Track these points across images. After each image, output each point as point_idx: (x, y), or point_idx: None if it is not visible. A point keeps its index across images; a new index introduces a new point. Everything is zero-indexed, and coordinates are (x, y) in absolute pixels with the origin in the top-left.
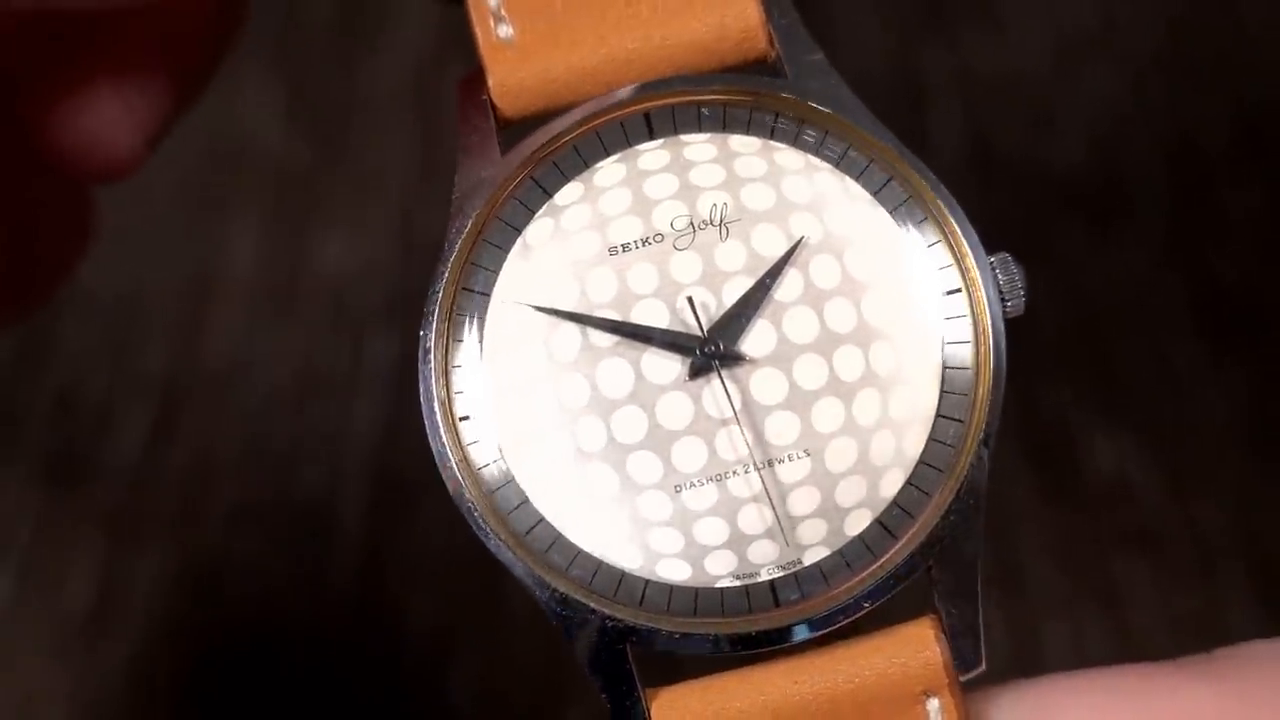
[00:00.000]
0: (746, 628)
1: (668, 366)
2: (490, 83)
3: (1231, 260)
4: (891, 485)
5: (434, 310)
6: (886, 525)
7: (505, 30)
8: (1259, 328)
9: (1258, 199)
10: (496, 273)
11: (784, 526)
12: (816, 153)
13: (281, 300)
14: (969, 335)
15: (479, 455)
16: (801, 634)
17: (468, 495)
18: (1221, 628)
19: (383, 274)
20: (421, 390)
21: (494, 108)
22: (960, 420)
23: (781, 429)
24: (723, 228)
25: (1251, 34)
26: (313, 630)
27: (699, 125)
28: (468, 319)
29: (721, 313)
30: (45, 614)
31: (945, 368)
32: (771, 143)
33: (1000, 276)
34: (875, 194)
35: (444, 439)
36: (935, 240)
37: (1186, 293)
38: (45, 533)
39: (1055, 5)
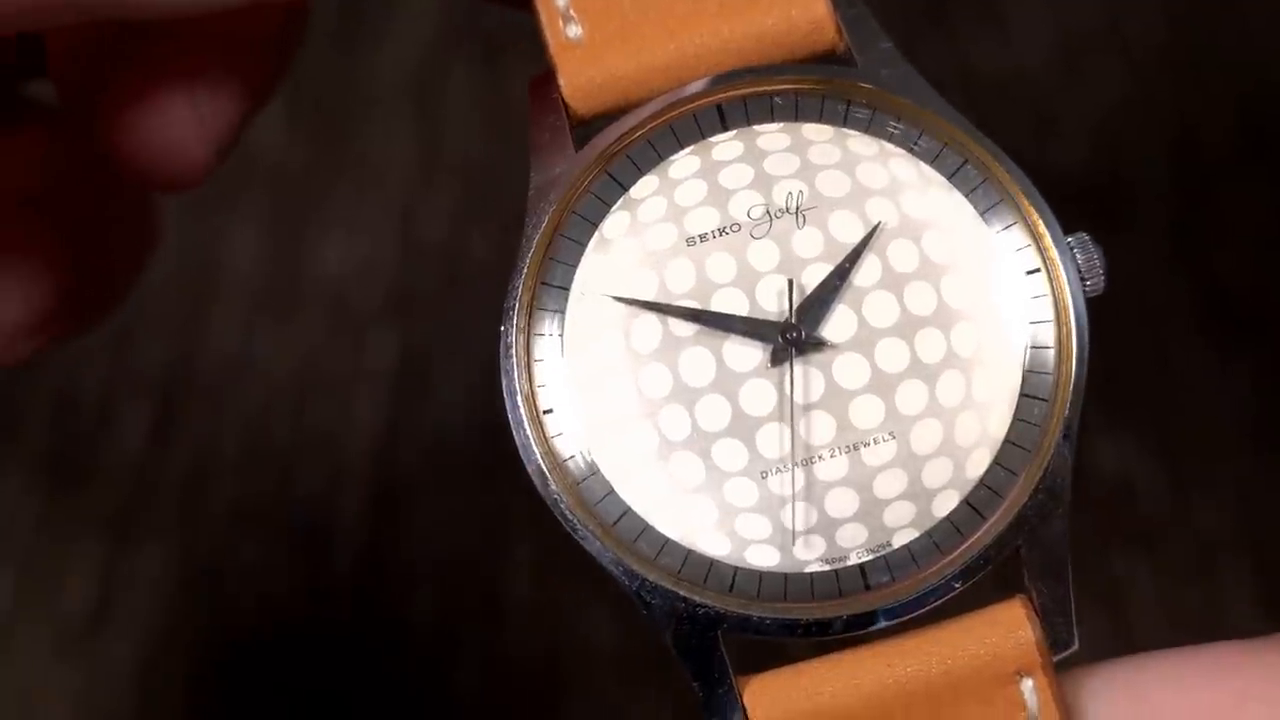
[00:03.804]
0: (837, 612)
1: (749, 354)
2: (561, 82)
3: (1234, 259)
4: (978, 465)
5: (514, 305)
6: (975, 505)
7: (574, 30)
8: (1261, 326)
9: (1261, 198)
10: (575, 267)
11: (870, 510)
12: (890, 138)
13: (281, 299)
14: (1050, 314)
15: (563, 447)
16: (892, 617)
17: (554, 487)
18: (1223, 627)
19: (383, 273)
20: (504, 385)
21: (566, 106)
22: (1044, 399)
23: (866, 413)
24: (799, 215)
25: (1254, 31)
26: (313, 629)
27: (771, 115)
28: (547, 313)
29: (801, 299)
30: (46, 614)
31: (1028, 347)
32: (845, 130)
33: (1079, 256)
34: (950, 177)
35: (528, 433)
36: (1012, 222)
37: (1189, 291)
38: (45, 533)
39: (1057, 3)
